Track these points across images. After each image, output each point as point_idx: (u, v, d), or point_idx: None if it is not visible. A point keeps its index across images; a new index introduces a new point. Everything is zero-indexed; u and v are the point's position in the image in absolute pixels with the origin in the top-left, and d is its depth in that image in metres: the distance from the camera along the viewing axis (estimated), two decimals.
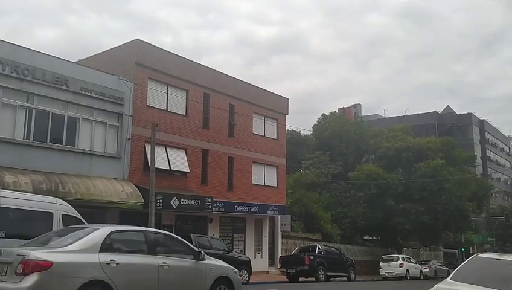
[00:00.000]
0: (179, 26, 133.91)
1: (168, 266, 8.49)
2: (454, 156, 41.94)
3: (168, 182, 21.51)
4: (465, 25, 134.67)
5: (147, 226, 18.40)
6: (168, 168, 21.60)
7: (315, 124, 50.65)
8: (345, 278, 25.29)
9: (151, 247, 8.65)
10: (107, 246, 7.85)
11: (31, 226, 12.33)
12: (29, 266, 6.92)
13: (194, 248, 9.69)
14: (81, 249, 7.56)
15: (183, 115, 23.35)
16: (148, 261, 8.30)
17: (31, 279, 6.89)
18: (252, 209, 26.37)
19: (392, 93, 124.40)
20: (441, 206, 37.70)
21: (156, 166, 19.39)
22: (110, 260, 7.65)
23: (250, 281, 19.39)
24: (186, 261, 9.01)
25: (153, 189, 18.67)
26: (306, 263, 22.60)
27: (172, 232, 22.03)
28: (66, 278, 7.18)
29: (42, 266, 6.96)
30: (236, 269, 10.21)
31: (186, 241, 9.56)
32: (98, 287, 7.42)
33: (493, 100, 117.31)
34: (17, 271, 7.01)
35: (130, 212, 19.50)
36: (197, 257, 9.18)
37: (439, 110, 70.29)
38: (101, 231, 8.08)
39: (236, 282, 9.86)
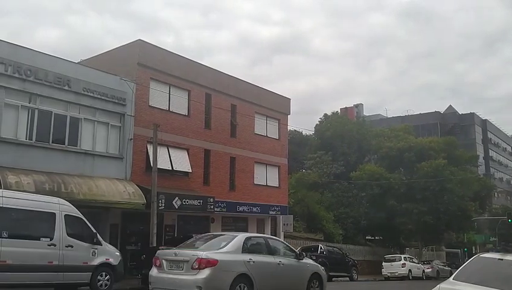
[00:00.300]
0: (180, 27, 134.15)
1: (282, 264, 11.22)
2: (456, 156, 41.88)
3: (170, 182, 21.52)
4: (467, 24, 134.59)
5: (149, 227, 18.53)
6: (170, 169, 21.60)
7: (317, 124, 50.67)
8: (347, 278, 25.27)
9: (270, 249, 11.48)
10: (245, 248, 10.66)
11: (33, 226, 12.37)
12: (203, 263, 9.64)
13: (296, 250, 12.47)
14: (231, 250, 10.35)
15: (185, 115, 23.35)
16: (270, 260, 11.06)
17: (205, 272, 9.60)
18: (254, 209, 26.35)
19: (394, 93, 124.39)
20: (443, 206, 37.65)
21: (158, 166, 19.38)
22: (249, 259, 10.42)
23: None
24: (292, 260, 11.68)
25: (155, 189, 18.67)
26: None
27: (174, 233, 22.30)
28: (226, 272, 9.90)
29: (212, 263, 9.67)
30: (323, 267, 13.06)
31: (290, 245, 12.78)
32: (243, 279, 10.10)
33: (496, 100, 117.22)
34: (193, 266, 9.70)
35: (132, 213, 19.53)
36: (298, 257, 11.90)
37: (442, 110, 70.23)
38: (240, 237, 10.96)
39: (324, 277, 12.48)
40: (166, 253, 10.67)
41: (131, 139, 20.30)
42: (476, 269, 6.86)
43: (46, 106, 17.59)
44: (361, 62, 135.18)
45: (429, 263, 36.42)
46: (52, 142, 17.69)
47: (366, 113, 73.23)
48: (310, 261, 12.68)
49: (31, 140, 17.10)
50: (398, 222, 38.32)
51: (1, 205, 11.49)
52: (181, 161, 22.43)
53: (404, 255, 33.99)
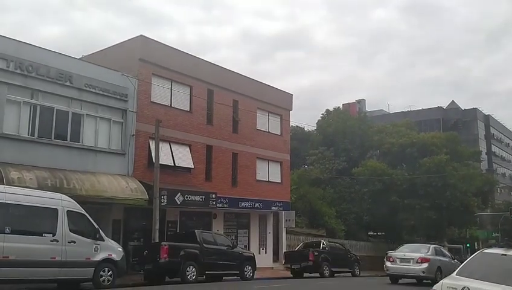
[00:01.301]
0: (183, 22, 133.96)
1: (447, 261, 18.84)
2: (459, 151, 41.76)
3: (173, 178, 21.52)
4: (471, 19, 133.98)
5: (152, 222, 18.68)
6: (172, 164, 21.59)
7: (319, 120, 50.44)
8: (350, 274, 25.25)
9: (442, 253, 19.45)
10: (436, 252, 18.75)
11: (36, 222, 12.41)
12: (423, 260, 17.67)
13: (451, 254, 20.48)
14: (431, 253, 18.38)
15: (187, 111, 23.32)
16: (444, 259, 18.72)
17: (425, 264, 17.63)
18: (256, 205, 26.35)
19: (397, 89, 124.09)
20: (445, 201, 37.59)
21: (160, 162, 19.41)
22: (439, 259, 18.58)
23: (254, 276, 19.41)
24: (450, 259, 19.24)
25: (158, 185, 18.69)
26: (310, 258, 22.56)
27: (176, 229, 22.37)
28: (433, 265, 17.83)
29: (427, 260, 17.69)
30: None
31: (447, 251, 21.00)
32: (438, 269, 17.65)
33: (499, 95, 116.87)
34: (417, 261, 17.71)
35: (135, 209, 19.56)
36: (452, 258, 19.74)
37: (444, 106, 70.01)
38: (432, 246, 19.60)
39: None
40: (397, 254, 18.74)
41: (133, 135, 20.30)
42: (479, 264, 6.85)
43: (48, 102, 17.59)
44: (364, 57, 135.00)
45: None
46: (54, 138, 17.70)
47: (368, 108, 73.00)
48: (456, 260, 19.47)
49: (33, 136, 17.11)
50: (400, 218, 38.26)
51: (3, 201, 11.52)
52: (183, 157, 22.43)
53: None
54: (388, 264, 18.71)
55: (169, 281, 16.84)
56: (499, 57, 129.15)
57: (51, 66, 17.59)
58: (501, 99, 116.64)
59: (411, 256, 18.11)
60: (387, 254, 32.83)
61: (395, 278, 18.74)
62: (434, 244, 23.38)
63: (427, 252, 18.44)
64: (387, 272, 18.89)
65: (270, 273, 24.09)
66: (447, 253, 20.23)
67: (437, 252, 18.88)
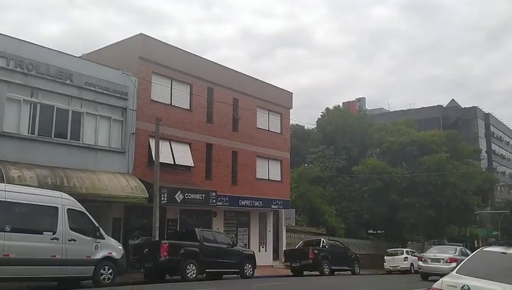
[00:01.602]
0: (183, 21, 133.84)
1: (458, 259, 17.70)
2: (459, 149, 41.75)
3: (173, 176, 21.53)
4: (471, 18, 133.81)
5: (152, 221, 18.70)
6: (173, 163, 21.60)
7: (319, 118, 50.38)
8: (350, 272, 25.29)
9: (465, 253, 20.08)
10: (462, 253, 20.43)
11: (36, 220, 12.43)
12: (452, 260, 19.02)
13: (469, 252, 19.09)
14: (458, 254, 20.02)
15: (187, 109, 23.32)
16: (463, 257, 17.08)
17: (453, 264, 17.16)
18: (256, 204, 26.36)
19: (397, 87, 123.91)
20: (445, 200, 37.60)
21: (160, 160, 19.40)
22: (462, 258, 16.85)
23: (254, 275, 19.42)
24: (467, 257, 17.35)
25: (158, 183, 18.69)
26: (310, 257, 22.58)
27: (177, 227, 22.40)
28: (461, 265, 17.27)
29: (455, 260, 18.08)
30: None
31: (467, 250, 22.22)
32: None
33: (499, 93, 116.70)
34: (447, 261, 19.74)
35: (135, 207, 19.58)
36: (466, 255, 17.72)
37: (444, 104, 69.97)
38: (459, 247, 21.80)
39: None
40: (428, 255, 21.09)
41: (133, 133, 20.30)
42: (479, 262, 6.86)
43: (48, 100, 17.59)
44: (364, 56, 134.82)
45: None
46: (55, 137, 17.71)
47: (368, 107, 72.96)
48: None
49: (33, 134, 17.11)
50: (400, 216, 38.29)
51: (4, 199, 11.53)
52: (183, 155, 22.43)
53: (406, 249, 33.94)
54: (420, 263, 21.47)
55: (169, 279, 16.87)
56: (499, 56, 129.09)
57: (51, 64, 17.58)
58: (501, 97, 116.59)
59: (441, 256, 20.52)
60: (387, 252, 33.28)
61: (425, 276, 20.55)
62: (460, 246, 25.59)
63: (455, 253, 20.80)
64: (420, 270, 21.52)
65: (270, 271, 24.12)
66: (469, 253, 21.62)
67: (463, 253, 20.83)
